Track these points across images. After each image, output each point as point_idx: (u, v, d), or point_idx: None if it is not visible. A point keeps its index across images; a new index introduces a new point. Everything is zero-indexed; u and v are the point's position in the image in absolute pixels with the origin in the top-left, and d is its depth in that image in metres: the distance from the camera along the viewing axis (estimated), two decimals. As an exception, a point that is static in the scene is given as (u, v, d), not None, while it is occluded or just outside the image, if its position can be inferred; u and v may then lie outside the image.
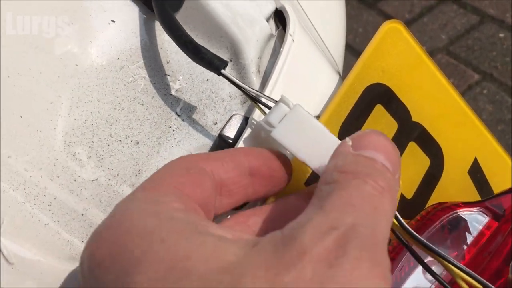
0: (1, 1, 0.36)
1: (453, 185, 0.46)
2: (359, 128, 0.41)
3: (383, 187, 0.25)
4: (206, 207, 0.28)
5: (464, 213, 0.37)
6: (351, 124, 0.40)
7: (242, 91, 0.36)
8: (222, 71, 0.35)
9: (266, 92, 0.38)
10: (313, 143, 0.31)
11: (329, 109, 0.39)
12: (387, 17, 1.85)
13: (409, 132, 0.43)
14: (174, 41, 0.37)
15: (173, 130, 0.39)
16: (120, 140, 0.37)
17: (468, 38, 1.75)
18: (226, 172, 0.30)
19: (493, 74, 1.63)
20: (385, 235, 0.24)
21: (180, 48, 0.37)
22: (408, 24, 1.82)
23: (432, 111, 0.45)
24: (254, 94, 0.35)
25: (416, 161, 0.44)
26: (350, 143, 0.28)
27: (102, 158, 0.36)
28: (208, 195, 0.28)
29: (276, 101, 0.33)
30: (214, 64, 0.35)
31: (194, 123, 0.39)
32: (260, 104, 0.35)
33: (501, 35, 1.73)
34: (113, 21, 0.39)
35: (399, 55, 0.43)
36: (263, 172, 0.31)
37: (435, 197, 0.44)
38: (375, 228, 0.23)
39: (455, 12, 1.83)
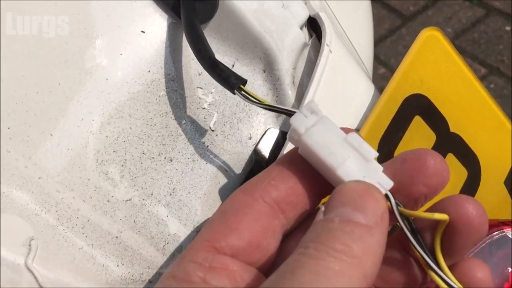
0: (2, 1, 0.34)
1: (490, 196, 0.45)
2: (398, 141, 0.39)
3: (339, 250, 0.24)
4: (253, 244, 0.27)
5: (510, 232, 0.36)
6: (390, 137, 0.39)
7: (263, 107, 0.33)
8: (236, 91, 0.33)
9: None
10: (325, 171, 0.29)
11: (368, 123, 0.38)
12: (392, 10, 1.83)
13: (448, 143, 0.42)
14: (194, 53, 0.35)
15: (207, 146, 0.37)
16: (153, 158, 0.35)
17: (474, 32, 1.73)
18: (276, 190, 0.28)
19: (500, 68, 1.62)
20: None
21: (198, 61, 0.35)
22: (413, 17, 1.80)
23: (470, 121, 0.43)
24: (276, 109, 0.33)
25: (454, 173, 0.43)
26: (323, 208, 0.26)
27: (135, 177, 0.35)
28: (250, 232, 0.27)
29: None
30: (229, 82, 0.33)
31: (228, 138, 0.38)
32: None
33: (508, 28, 1.71)
34: (143, 32, 0.37)
35: (438, 64, 0.41)
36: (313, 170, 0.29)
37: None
38: None
39: (460, 5, 1.81)
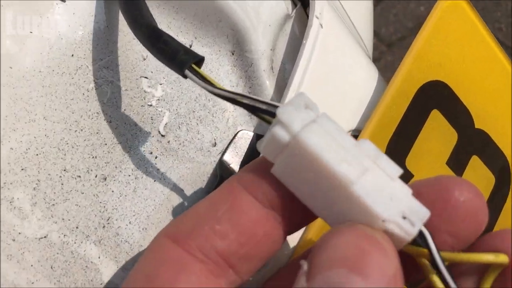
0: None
1: (521, 207, 0.36)
2: (410, 144, 0.30)
3: None
4: None
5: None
6: (401, 139, 0.30)
7: (227, 99, 0.23)
8: (187, 71, 0.23)
9: (287, 100, 0.27)
10: (321, 194, 0.20)
11: (372, 121, 0.29)
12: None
13: (472, 143, 0.33)
14: (128, 23, 0.26)
15: (155, 157, 0.28)
16: (79, 176, 0.26)
17: (470, -3, 1.64)
18: (224, 239, 0.20)
19: (498, 36, 1.53)
20: None
21: (133, 32, 0.25)
22: (404, -16, 1.69)
23: (499, 114, 0.34)
24: (248, 102, 0.22)
25: (479, 180, 0.34)
26: (305, 267, 0.18)
27: (53, 205, 0.25)
28: None
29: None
30: (177, 59, 0.23)
31: (184, 146, 0.28)
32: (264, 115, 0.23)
33: (505, -7, 1.62)
34: (62, 1, 0.27)
35: (461, 43, 0.32)
36: (283, 197, 0.21)
37: (501, 223, 0.35)
38: None
39: (454, -31, 1.71)
